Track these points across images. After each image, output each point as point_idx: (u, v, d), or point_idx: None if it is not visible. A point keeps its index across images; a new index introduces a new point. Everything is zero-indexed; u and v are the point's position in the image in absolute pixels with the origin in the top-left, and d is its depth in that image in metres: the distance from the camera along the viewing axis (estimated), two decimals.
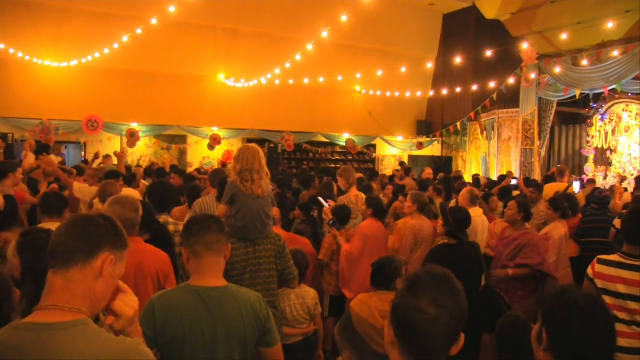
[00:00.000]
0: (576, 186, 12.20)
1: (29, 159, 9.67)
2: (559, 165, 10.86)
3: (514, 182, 10.91)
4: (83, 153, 14.83)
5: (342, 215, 5.89)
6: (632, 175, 13.09)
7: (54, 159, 9.33)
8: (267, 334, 2.65)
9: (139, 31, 12.97)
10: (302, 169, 13.62)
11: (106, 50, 13.35)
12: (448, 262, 4.44)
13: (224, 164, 14.46)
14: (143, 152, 15.57)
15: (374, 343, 3.22)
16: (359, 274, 5.42)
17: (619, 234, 5.99)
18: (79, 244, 1.66)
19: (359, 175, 8.88)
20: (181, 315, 2.44)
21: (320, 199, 6.52)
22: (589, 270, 3.65)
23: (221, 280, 2.61)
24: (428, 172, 11.61)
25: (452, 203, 6.98)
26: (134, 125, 14.97)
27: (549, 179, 10.06)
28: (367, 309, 3.33)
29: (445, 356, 1.52)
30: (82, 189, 6.43)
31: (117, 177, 6.34)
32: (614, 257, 3.56)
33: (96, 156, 11.12)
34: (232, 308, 2.52)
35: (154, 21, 12.57)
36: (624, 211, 6.69)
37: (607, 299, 3.47)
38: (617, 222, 6.46)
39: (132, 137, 14.85)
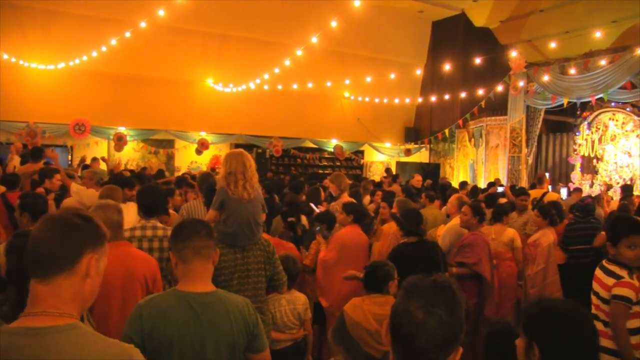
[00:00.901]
0: (564, 193, 12.31)
1: (15, 162, 9.57)
2: (538, 172, 10.97)
3: (500, 189, 10.96)
4: (70, 157, 14.71)
5: (328, 221, 5.85)
6: (618, 183, 13.20)
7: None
8: (255, 339, 2.61)
9: (127, 35, 12.92)
10: (292, 174, 13.60)
11: (94, 54, 13.28)
12: (409, 259, 4.55)
13: (212, 169, 14.41)
14: (130, 156, 15.49)
15: (367, 346, 3.22)
16: (335, 282, 5.32)
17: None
18: (61, 251, 1.61)
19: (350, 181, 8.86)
20: (169, 321, 2.40)
21: (312, 205, 6.49)
22: None
23: (210, 285, 2.57)
24: (418, 179, 11.63)
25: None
26: (122, 129, 14.89)
27: (535, 186, 10.16)
28: (361, 312, 3.34)
29: None
30: (80, 191, 6.38)
31: (131, 186, 6.26)
32: (602, 262, 3.75)
33: (82, 160, 11.01)
34: (220, 314, 2.49)
35: (142, 25, 12.53)
36: None
37: (593, 299, 3.67)
38: None
39: (120, 141, 14.78)
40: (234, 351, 2.52)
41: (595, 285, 3.62)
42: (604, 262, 3.67)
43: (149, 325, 2.38)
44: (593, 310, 3.60)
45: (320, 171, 17.65)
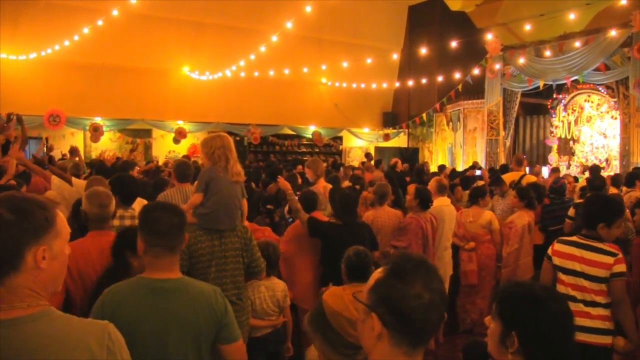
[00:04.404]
0: (545, 172, 12.46)
1: None
2: (517, 154, 11.05)
3: (478, 172, 11.03)
4: (45, 148, 14.50)
5: (309, 203, 5.69)
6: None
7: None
8: (224, 328, 2.48)
9: (99, 23, 12.71)
10: (269, 161, 13.57)
11: (66, 43, 13.06)
12: (327, 237, 4.82)
13: (188, 157, 14.32)
14: (107, 146, 15.33)
15: (348, 335, 3.20)
16: (296, 273, 5.14)
17: (575, 223, 6.14)
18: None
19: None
20: (127, 308, 2.31)
21: None
22: (549, 250, 3.89)
23: (175, 272, 2.46)
24: (401, 164, 11.70)
25: None
26: (98, 120, 14.72)
27: (504, 168, 10.24)
28: (342, 302, 3.32)
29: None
30: (62, 184, 6.28)
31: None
32: (573, 238, 3.81)
33: (50, 148, 10.77)
34: (183, 301, 2.38)
35: (115, 13, 12.34)
36: (580, 200, 6.88)
37: (563, 277, 3.75)
38: (571, 212, 6.59)
39: (96, 131, 14.63)
40: (200, 341, 2.41)
41: (585, 267, 3.63)
42: (593, 243, 3.67)
43: (109, 312, 2.28)
44: (571, 292, 3.66)
45: (300, 157, 17.62)
